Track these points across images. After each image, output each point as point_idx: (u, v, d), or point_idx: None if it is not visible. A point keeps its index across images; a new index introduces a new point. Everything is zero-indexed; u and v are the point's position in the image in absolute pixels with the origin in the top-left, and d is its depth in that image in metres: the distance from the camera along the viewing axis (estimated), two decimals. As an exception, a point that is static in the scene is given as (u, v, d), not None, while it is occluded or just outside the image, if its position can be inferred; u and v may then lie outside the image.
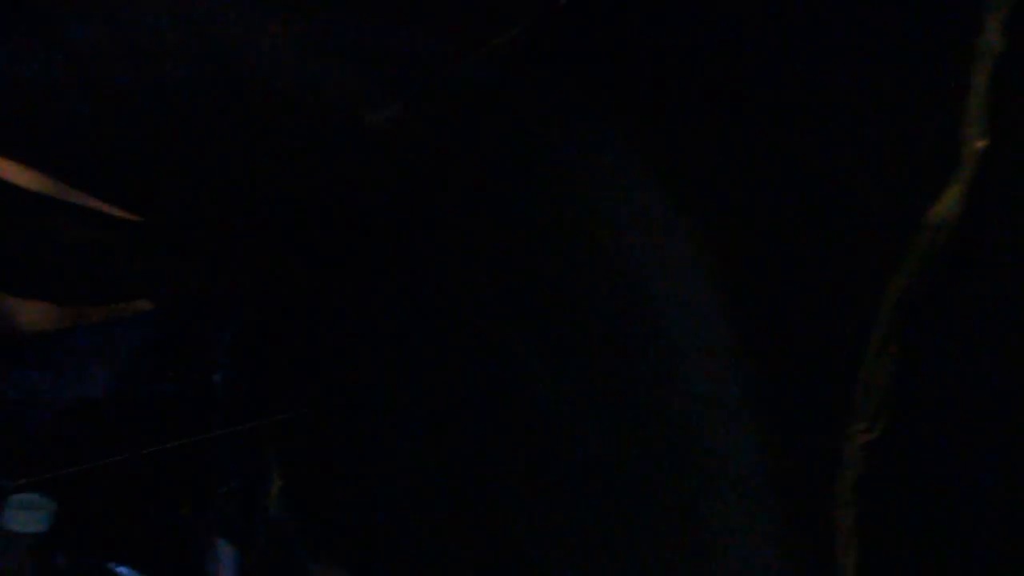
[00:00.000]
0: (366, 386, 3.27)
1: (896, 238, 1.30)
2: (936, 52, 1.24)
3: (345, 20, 2.23)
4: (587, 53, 1.94)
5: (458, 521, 2.56)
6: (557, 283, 2.02)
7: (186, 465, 6.49)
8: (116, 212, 2.77)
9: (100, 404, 6.10)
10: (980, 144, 1.12)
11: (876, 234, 1.41)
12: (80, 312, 4.81)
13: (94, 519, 6.52)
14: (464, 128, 2.46)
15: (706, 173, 1.57)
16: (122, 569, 6.72)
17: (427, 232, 2.79)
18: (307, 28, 2.25)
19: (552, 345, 2.05)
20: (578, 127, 1.92)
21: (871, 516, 1.31)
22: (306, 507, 4.19)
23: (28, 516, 3.47)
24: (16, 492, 3.46)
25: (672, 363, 1.61)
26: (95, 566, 6.50)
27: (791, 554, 1.49)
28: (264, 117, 2.43)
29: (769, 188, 1.46)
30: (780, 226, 1.45)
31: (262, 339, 5.10)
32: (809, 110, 1.58)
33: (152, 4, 2.17)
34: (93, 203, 2.73)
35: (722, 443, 1.51)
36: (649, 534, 1.67)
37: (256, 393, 5.39)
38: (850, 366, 1.37)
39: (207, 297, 4.71)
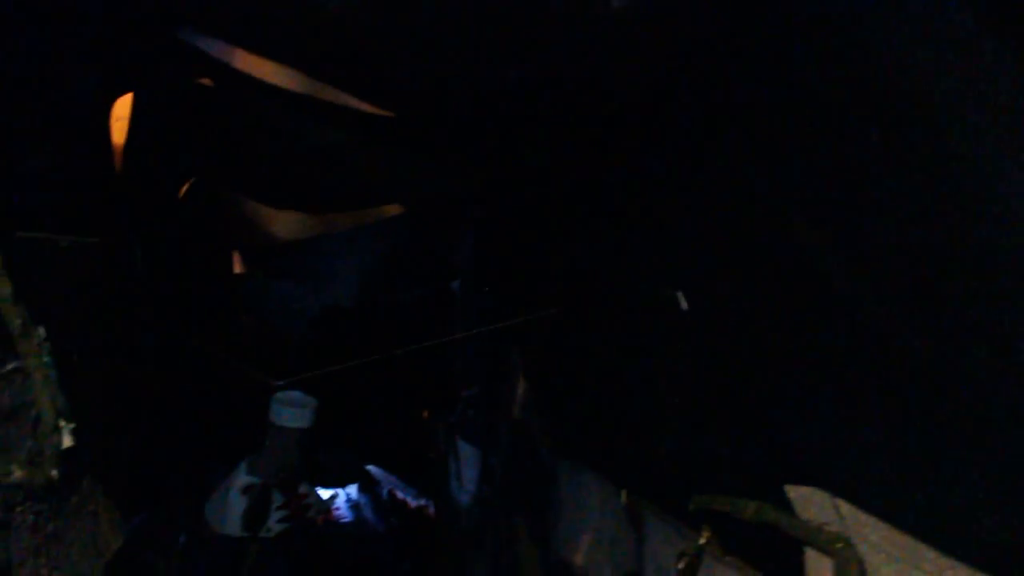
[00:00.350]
0: (620, 284, 3.15)
1: None
2: None
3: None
4: None
5: (725, 415, 2.42)
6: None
7: (428, 370, 6.71)
8: (367, 108, 2.75)
9: (348, 311, 6.40)
10: None
11: None
12: (329, 220, 4.95)
13: (346, 419, 6.90)
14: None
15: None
16: (371, 467, 7.12)
17: (686, 128, 2.60)
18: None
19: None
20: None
21: None
22: (550, 410, 4.14)
23: (294, 412, 3.64)
24: (281, 391, 3.63)
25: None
26: (350, 463, 6.91)
27: None
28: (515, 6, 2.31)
29: None
30: None
31: (501, 245, 5.10)
32: None
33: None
34: (345, 100, 2.72)
35: None
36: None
37: (495, 299, 5.40)
38: None
39: (449, 201, 4.74)
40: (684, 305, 2.63)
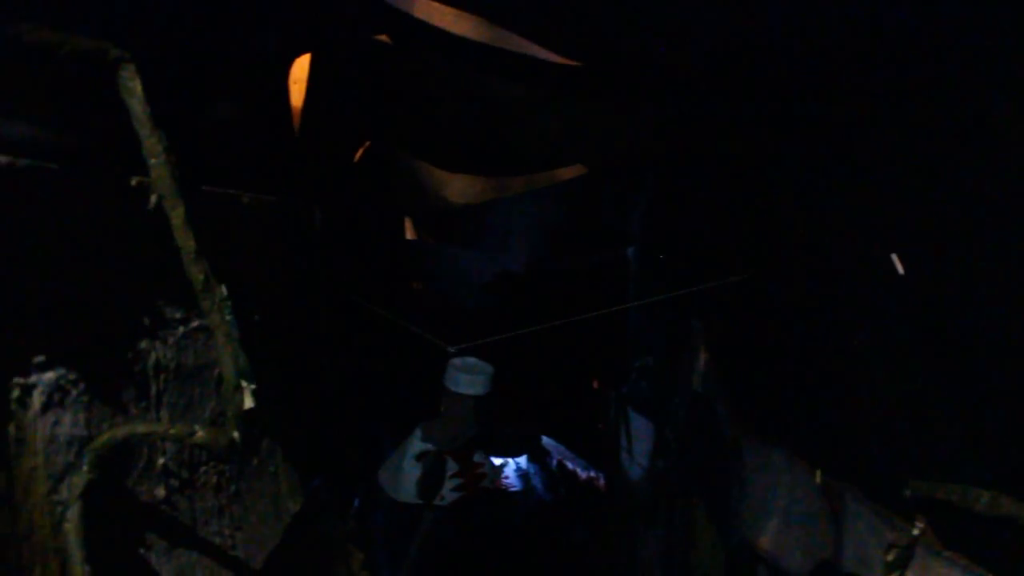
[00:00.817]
0: (821, 246, 2.87)
1: None
2: None
3: None
4: None
5: (955, 392, 2.15)
6: None
7: (600, 340, 6.55)
8: (555, 58, 2.58)
9: (521, 278, 6.32)
10: None
11: None
12: (503, 183, 4.84)
13: (518, 389, 6.85)
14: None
15: None
16: (545, 439, 7.05)
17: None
18: None
19: None
20: None
21: None
22: (736, 383, 3.90)
23: (469, 379, 3.54)
24: (457, 357, 3.54)
25: None
26: (524, 434, 6.86)
27: None
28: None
29: None
30: None
31: (679, 209, 4.87)
32: None
33: None
34: (532, 49, 2.57)
35: None
36: None
37: (672, 266, 5.18)
38: None
39: (631, 161, 4.54)
40: (900, 269, 2.34)
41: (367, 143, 4.69)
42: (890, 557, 2.46)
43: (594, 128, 3.40)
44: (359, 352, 4.01)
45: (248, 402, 2.18)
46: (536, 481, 6.63)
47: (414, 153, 4.82)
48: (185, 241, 1.63)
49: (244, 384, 2.19)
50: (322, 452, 3.27)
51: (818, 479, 3.06)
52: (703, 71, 2.61)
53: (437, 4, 2.44)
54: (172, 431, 1.54)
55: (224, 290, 1.66)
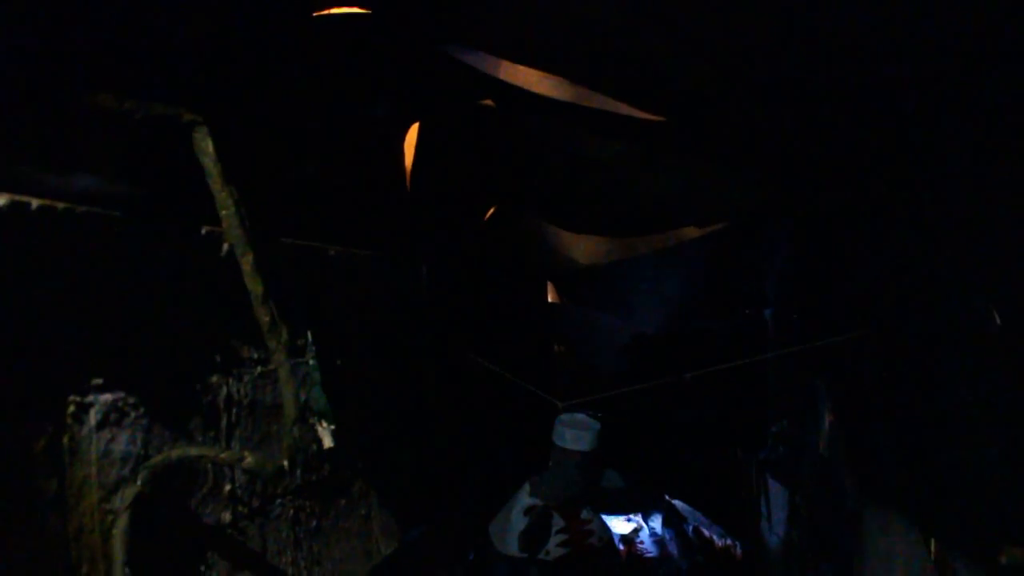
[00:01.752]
0: (931, 301, 2.78)
1: None
2: None
3: None
4: None
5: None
6: None
7: (739, 404, 6.42)
8: (639, 114, 2.65)
9: (656, 340, 6.29)
10: None
11: None
12: (629, 244, 4.89)
13: (653, 451, 6.78)
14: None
15: None
16: (677, 502, 6.90)
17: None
18: None
19: None
20: None
21: None
22: (858, 447, 3.77)
23: (576, 434, 3.57)
24: (566, 411, 3.59)
25: None
26: (651, 494, 6.75)
27: None
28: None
29: None
30: None
31: (812, 269, 4.77)
32: None
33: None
34: (614, 106, 2.64)
35: None
36: None
37: (808, 328, 5.07)
38: None
39: (747, 216, 4.50)
40: (998, 321, 2.26)
41: (495, 205, 4.86)
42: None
43: (708, 186, 3.42)
44: (474, 408, 4.12)
45: (327, 441, 2.32)
46: (672, 548, 6.47)
47: (540, 215, 4.95)
48: (254, 286, 1.78)
49: (324, 424, 2.33)
50: (426, 504, 3.38)
51: (932, 548, 2.93)
52: (787, 125, 2.61)
53: (521, 67, 2.56)
54: (223, 455, 1.67)
55: (289, 332, 1.79)
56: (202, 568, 1.76)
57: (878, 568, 3.41)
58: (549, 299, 6.35)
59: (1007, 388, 2.36)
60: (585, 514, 3.67)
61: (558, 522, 3.59)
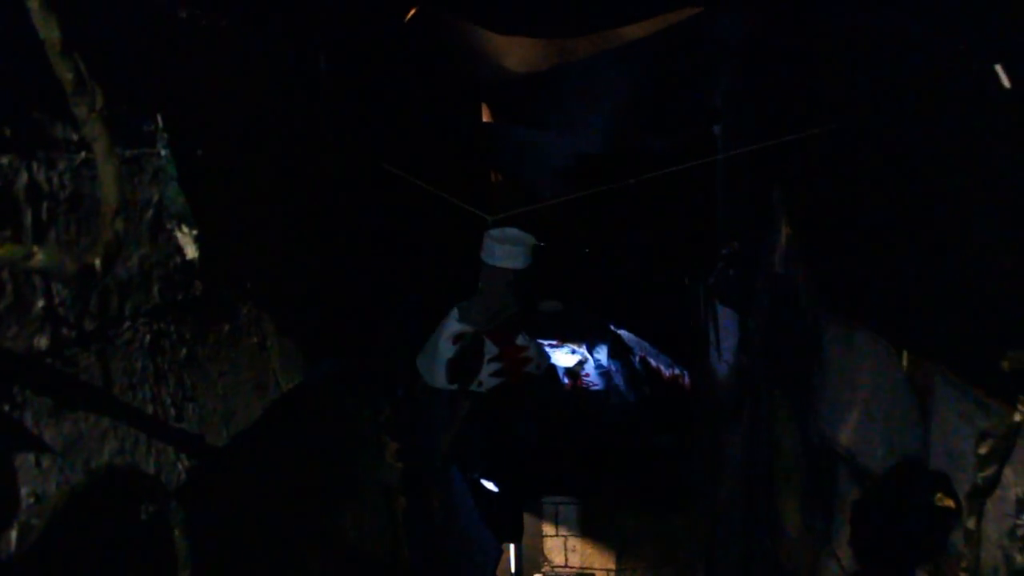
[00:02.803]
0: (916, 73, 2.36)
1: None
2: None
3: None
4: None
5: None
6: None
7: (685, 227, 6.07)
8: None
9: (595, 160, 5.86)
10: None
11: None
12: (565, 47, 4.37)
13: (596, 279, 6.45)
14: None
15: None
16: (623, 332, 6.67)
17: None
18: None
19: None
20: None
21: None
22: (816, 258, 3.43)
23: (507, 250, 3.16)
24: (494, 227, 3.16)
25: None
26: (596, 323, 6.49)
27: None
28: None
29: None
30: None
31: (765, 78, 4.33)
32: None
33: None
34: None
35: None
36: None
37: (761, 136, 4.67)
38: None
39: (700, 19, 4.01)
40: (1005, 82, 1.85)
41: (416, 5, 4.29)
42: (983, 450, 2.04)
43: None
44: (391, 227, 3.67)
45: (190, 250, 1.86)
46: (619, 380, 6.28)
47: (467, 15, 4.39)
48: (47, 29, 1.28)
49: (185, 229, 1.87)
50: (339, 330, 2.97)
51: (904, 362, 2.61)
52: None
53: None
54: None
55: (101, 98, 1.32)
56: (6, 408, 1.33)
57: (841, 389, 3.12)
58: (483, 119, 5.84)
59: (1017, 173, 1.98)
60: (521, 340, 3.30)
61: (491, 349, 3.22)
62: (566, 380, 6.27)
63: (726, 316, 5.50)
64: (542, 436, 6.40)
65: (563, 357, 6.21)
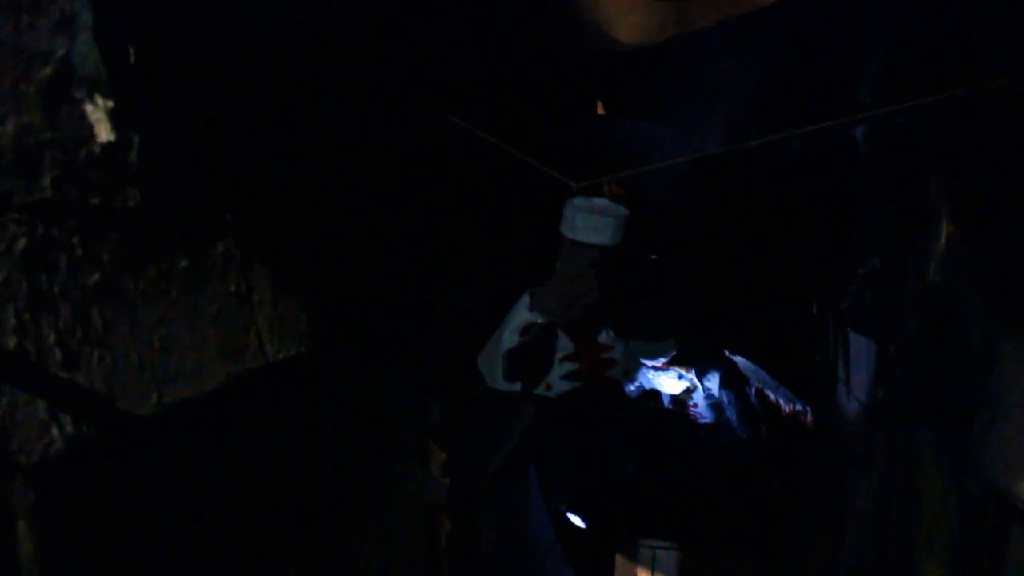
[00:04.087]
0: None
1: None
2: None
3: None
4: None
5: None
6: None
7: (818, 244, 5.32)
8: None
9: (717, 164, 5.18)
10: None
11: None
12: (685, 12, 3.71)
13: (713, 300, 5.71)
14: None
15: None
16: (739, 359, 5.88)
17: None
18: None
19: None
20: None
21: None
22: (991, 265, 2.70)
23: (592, 222, 2.50)
24: (580, 194, 2.51)
25: None
26: (709, 347, 5.73)
27: None
28: None
29: None
30: None
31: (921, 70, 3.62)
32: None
33: None
34: None
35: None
36: None
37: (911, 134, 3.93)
38: None
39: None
40: None
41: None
42: None
43: None
44: (454, 187, 3.02)
45: (103, 132, 1.29)
46: (730, 412, 5.50)
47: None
48: None
49: (99, 100, 1.29)
50: (376, 304, 2.36)
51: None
52: None
53: None
54: None
55: None
56: None
57: (1016, 433, 2.38)
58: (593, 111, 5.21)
59: None
60: (604, 337, 2.63)
61: (565, 345, 2.55)
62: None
63: (859, 347, 4.74)
64: (640, 470, 5.68)
65: (669, 382, 5.48)
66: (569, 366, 2.56)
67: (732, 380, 5.50)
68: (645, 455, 5.70)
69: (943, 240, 3.15)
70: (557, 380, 2.55)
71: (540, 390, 2.54)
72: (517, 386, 2.55)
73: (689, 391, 5.52)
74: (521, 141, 2.70)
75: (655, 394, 5.65)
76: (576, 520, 5.32)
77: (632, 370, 2.78)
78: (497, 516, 3.11)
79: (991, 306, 2.68)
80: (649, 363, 5.29)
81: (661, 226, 5.46)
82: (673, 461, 5.75)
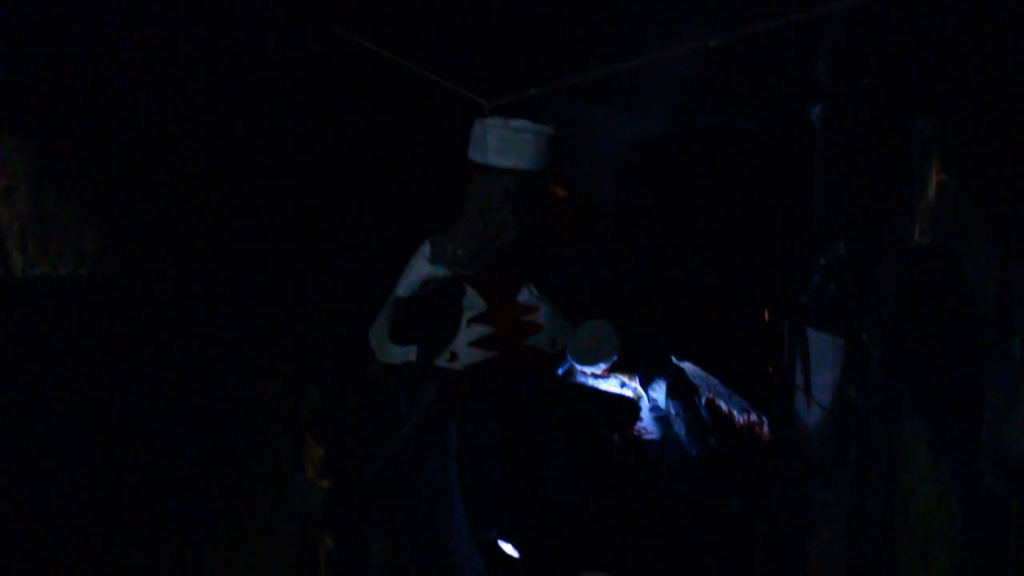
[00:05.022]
0: None
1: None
2: None
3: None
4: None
5: None
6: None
7: (771, 238, 4.87)
8: None
9: (659, 140, 4.71)
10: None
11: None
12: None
13: (656, 301, 5.23)
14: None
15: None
16: (687, 365, 5.35)
17: None
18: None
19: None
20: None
21: None
22: (1000, 212, 2.22)
23: (508, 140, 1.93)
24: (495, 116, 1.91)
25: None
26: (655, 351, 5.21)
27: None
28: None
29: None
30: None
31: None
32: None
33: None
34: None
35: None
36: None
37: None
38: None
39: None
40: None
41: None
42: None
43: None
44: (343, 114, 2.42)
45: None
46: (679, 427, 4.94)
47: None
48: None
49: None
50: (220, 253, 1.73)
51: None
52: None
53: None
54: None
55: None
56: None
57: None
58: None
59: None
60: (526, 297, 2.03)
61: (475, 303, 1.95)
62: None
63: (822, 346, 4.27)
64: (581, 494, 5.08)
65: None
66: (480, 330, 1.97)
67: (680, 389, 4.96)
68: (586, 476, 5.15)
69: (932, 192, 2.64)
70: (464, 347, 1.96)
71: (442, 360, 1.94)
72: (411, 354, 1.94)
73: (636, 405, 4.94)
74: (423, 56, 2.11)
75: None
76: (508, 549, 4.71)
77: (559, 339, 2.19)
78: (400, 535, 2.47)
79: (1013, 255, 2.17)
80: (588, 370, 4.72)
81: (608, 227, 5.01)
82: (617, 483, 5.19)
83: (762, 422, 4.78)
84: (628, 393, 4.87)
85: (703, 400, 4.94)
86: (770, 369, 5.03)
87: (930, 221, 2.65)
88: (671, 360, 4.97)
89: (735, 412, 4.85)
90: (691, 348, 4.97)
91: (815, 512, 4.28)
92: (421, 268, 1.99)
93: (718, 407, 4.91)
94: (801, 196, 4.49)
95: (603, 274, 4.80)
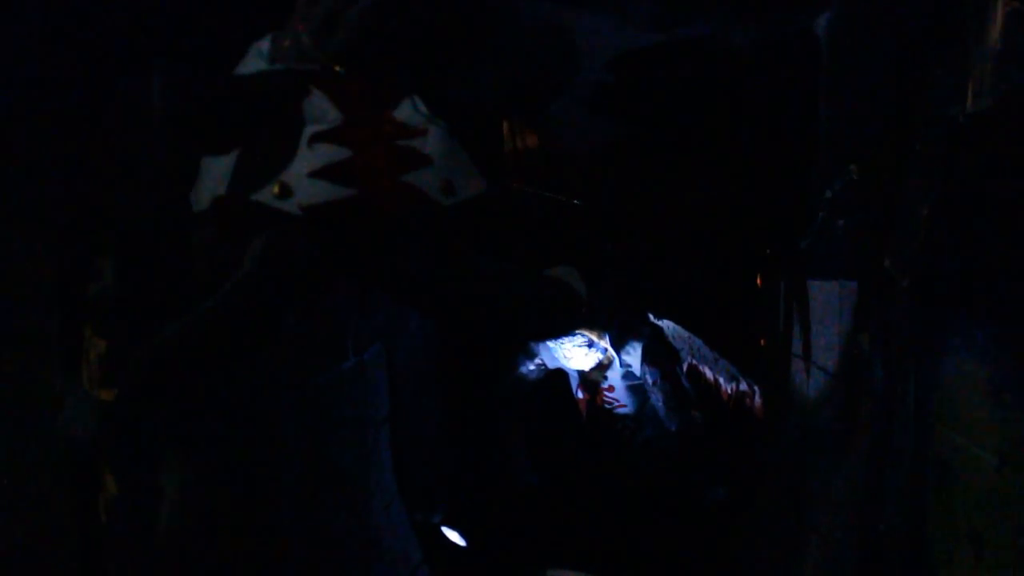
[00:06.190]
0: None
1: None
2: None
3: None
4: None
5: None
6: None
7: (771, 178, 4.30)
8: None
9: (647, 53, 4.15)
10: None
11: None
12: None
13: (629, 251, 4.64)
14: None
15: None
16: (666, 323, 4.74)
17: None
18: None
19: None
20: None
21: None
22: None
23: None
24: None
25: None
26: (633, 315, 4.62)
27: None
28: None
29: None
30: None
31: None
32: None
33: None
34: None
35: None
36: None
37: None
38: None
39: None
40: None
41: None
42: None
43: None
44: None
45: None
46: (656, 398, 4.33)
47: None
48: None
49: None
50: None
51: None
52: None
53: None
54: None
55: None
56: None
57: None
58: None
59: None
60: (407, 112, 1.32)
61: (324, 111, 1.25)
62: (580, 394, 4.33)
63: (825, 298, 3.70)
64: (542, 480, 4.57)
65: (578, 355, 4.24)
66: (330, 153, 1.27)
67: (658, 353, 4.34)
68: (548, 461, 4.58)
69: (997, 31, 1.99)
70: (303, 179, 1.26)
71: (267, 196, 1.25)
72: (220, 186, 1.24)
73: (603, 367, 4.29)
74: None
75: (561, 375, 4.43)
76: (454, 537, 4.11)
77: (458, 184, 1.49)
78: (208, 467, 1.73)
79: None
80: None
81: (580, 166, 4.43)
82: (584, 466, 4.62)
83: (753, 392, 4.19)
84: (596, 355, 4.22)
85: (685, 366, 4.33)
86: (761, 342, 4.47)
87: (993, 73, 1.98)
88: (648, 317, 4.34)
89: (722, 381, 4.27)
90: (672, 303, 4.36)
91: (816, 498, 3.69)
92: (255, 65, 1.31)
93: (702, 375, 4.31)
94: (803, 122, 3.95)
95: (571, 216, 4.21)
